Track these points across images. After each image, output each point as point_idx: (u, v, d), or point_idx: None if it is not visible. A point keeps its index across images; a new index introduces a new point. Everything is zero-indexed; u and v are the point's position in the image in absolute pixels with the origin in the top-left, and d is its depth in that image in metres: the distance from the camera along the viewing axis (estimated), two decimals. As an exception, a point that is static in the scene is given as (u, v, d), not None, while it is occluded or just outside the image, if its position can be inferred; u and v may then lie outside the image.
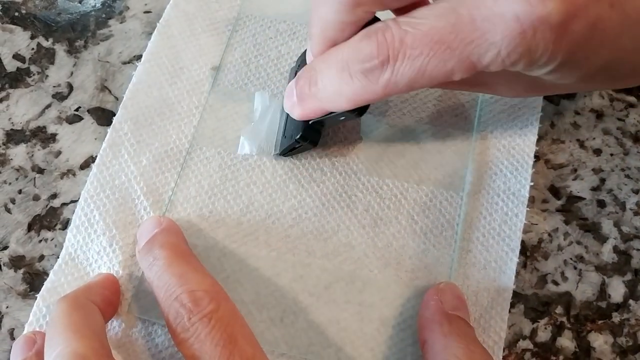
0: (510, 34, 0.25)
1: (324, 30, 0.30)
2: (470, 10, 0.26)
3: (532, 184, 0.36)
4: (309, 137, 0.35)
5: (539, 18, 0.25)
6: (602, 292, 0.35)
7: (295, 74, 0.34)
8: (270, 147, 0.37)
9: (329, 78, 0.30)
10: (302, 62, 0.35)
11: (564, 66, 0.27)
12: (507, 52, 0.26)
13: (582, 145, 0.39)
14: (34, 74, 0.41)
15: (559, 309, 0.35)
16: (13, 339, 0.34)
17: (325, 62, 0.30)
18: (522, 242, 0.35)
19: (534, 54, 0.26)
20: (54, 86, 0.41)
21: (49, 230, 0.37)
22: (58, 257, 0.34)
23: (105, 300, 0.32)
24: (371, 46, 0.28)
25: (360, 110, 0.32)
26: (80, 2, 0.43)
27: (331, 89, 0.30)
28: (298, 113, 0.33)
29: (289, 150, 0.36)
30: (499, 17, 0.25)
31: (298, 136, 0.34)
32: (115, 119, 0.38)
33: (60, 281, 0.34)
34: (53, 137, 0.39)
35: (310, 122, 0.34)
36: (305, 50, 0.34)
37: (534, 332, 0.34)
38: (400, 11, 0.30)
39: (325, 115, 0.32)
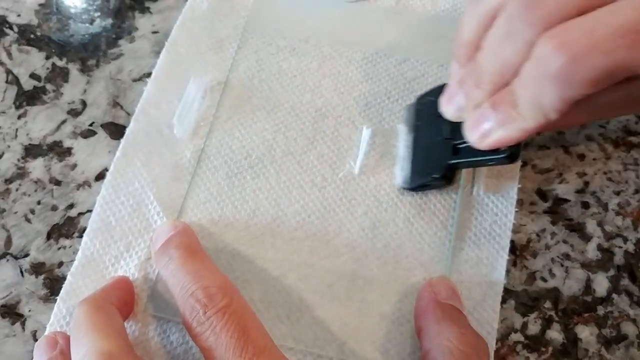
0: None
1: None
2: None
3: (519, 186, 0.38)
4: (447, 176, 0.36)
5: None
6: (588, 287, 0.37)
7: (417, 112, 0.37)
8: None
9: (526, 93, 0.29)
10: (425, 100, 0.37)
11: None
12: None
13: (566, 150, 0.41)
14: (49, 92, 0.43)
15: (548, 304, 0.36)
16: (36, 340, 0.36)
17: (520, 81, 0.29)
18: (512, 241, 0.37)
19: None
20: (69, 103, 0.43)
21: (67, 238, 0.39)
22: (76, 262, 0.37)
23: (121, 301, 0.34)
24: (551, 51, 0.27)
25: (512, 155, 0.32)
26: (91, 24, 0.46)
27: (533, 104, 0.29)
28: (499, 138, 0.31)
29: (421, 186, 0.37)
30: None
31: (437, 175, 0.36)
32: (127, 130, 0.40)
33: (79, 284, 0.36)
34: (69, 151, 0.41)
35: (450, 162, 0.35)
36: (431, 90, 0.36)
37: (524, 325, 0.36)
38: None
39: (471, 157, 0.33)
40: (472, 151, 0.32)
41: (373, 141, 0.39)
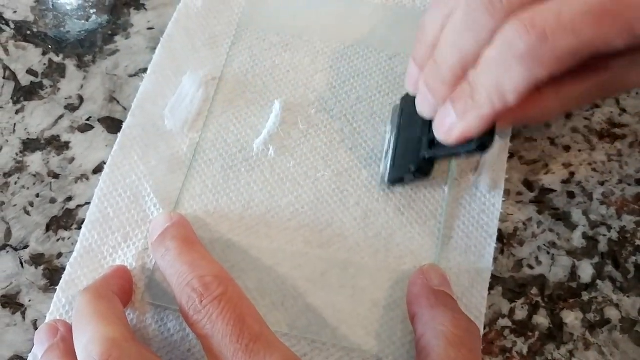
0: None
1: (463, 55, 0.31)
2: None
3: (507, 176, 0.39)
4: (423, 169, 0.37)
5: None
6: (573, 274, 0.38)
7: (402, 111, 0.38)
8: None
9: (485, 80, 0.30)
10: (407, 99, 0.37)
11: None
12: None
13: (552, 142, 0.42)
14: (46, 88, 0.44)
15: (534, 290, 0.37)
16: (36, 329, 0.37)
17: (478, 70, 0.30)
18: (500, 230, 0.38)
19: None
20: (66, 98, 0.44)
21: (66, 230, 0.40)
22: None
23: (121, 289, 0.35)
24: (520, 32, 0.28)
25: (482, 146, 0.33)
26: (87, 20, 0.47)
27: (492, 89, 0.30)
28: (460, 130, 0.32)
29: (399, 179, 0.38)
30: None
31: (414, 168, 0.37)
32: (124, 124, 0.41)
33: (77, 274, 0.37)
34: (66, 145, 0.42)
35: (425, 155, 0.36)
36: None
37: (512, 311, 0.37)
38: None
39: (445, 149, 0.34)
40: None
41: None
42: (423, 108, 0.34)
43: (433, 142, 0.35)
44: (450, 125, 0.32)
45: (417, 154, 0.36)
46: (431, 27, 0.33)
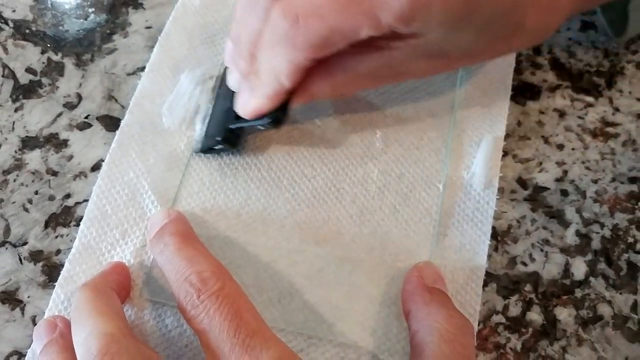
0: None
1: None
2: None
3: (501, 174, 0.39)
4: (229, 139, 0.39)
5: None
6: (566, 271, 0.38)
7: (221, 82, 0.39)
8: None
9: (263, 61, 0.31)
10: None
11: (460, 22, 0.28)
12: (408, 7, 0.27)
13: (546, 141, 0.42)
14: (45, 86, 0.44)
15: (528, 287, 0.38)
16: (35, 324, 0.37)
17: (260, 47, 0.31)
18: (494, 228, 0.38)
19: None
20: (64, 96, 0.44)
21: (64, 227, 0.40)
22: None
23: (119, 285, 0.35)
24: (279, 16, 0.29)
25: (276, 120, 0.35)
26: (85, 19, 0.47)
27: (269, 71, 0.31)
28: (253, 106, 0.34)
29: (208, 149, 0.39)
30: None
31: (219, 138, 0.38)
32: (122, 122, 0.41)
33: (76, 270, 0.37)
34: (65, 143, 0.42)
35: (231, 126, 0.38)
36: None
37: (506, 307, 0.37)
38: None
39: (246, 122, 0.36)
40: None
41: None
42: (229, 81, 0.36)
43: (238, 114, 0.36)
44: (244, 101, 0.34)
45: (225, 125, 0.38)
46: (239, 4, 0.33)
